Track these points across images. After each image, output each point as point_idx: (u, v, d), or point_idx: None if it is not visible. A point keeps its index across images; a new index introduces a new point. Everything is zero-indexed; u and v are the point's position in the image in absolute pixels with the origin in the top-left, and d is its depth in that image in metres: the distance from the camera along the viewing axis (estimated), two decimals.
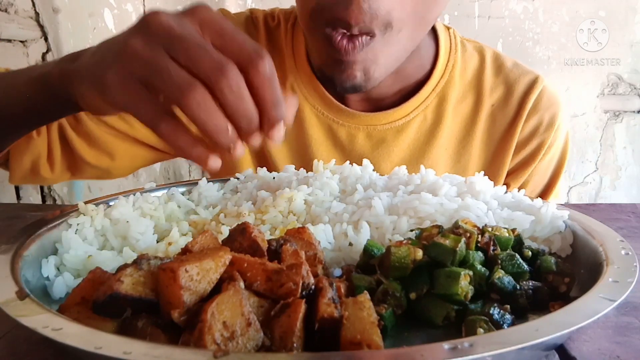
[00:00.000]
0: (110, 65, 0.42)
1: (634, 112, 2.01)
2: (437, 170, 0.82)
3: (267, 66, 0.41)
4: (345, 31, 0.66)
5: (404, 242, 0.44)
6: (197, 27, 0.42)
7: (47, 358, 0.37)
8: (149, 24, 0.41)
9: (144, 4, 1.64)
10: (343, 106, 0.82)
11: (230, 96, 0.39)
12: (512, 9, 1.94)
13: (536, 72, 0.86)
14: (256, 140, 0.42)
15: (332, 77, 0.72)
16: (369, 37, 0.67)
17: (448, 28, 0.87)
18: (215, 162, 0.42)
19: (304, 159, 0.84)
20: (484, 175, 0.84)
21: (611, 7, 1.92)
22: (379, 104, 0.83)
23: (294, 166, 0.68)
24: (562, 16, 1.94)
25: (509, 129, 0.83)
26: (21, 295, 0.37)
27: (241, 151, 0.42)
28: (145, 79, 0.41)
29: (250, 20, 0.87)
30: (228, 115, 0.40)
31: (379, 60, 0.70)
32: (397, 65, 0.74)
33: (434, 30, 0.85)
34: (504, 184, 0.84)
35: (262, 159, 0.86)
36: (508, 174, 0.85)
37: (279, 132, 0.42)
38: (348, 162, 0.67)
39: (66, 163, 0.83)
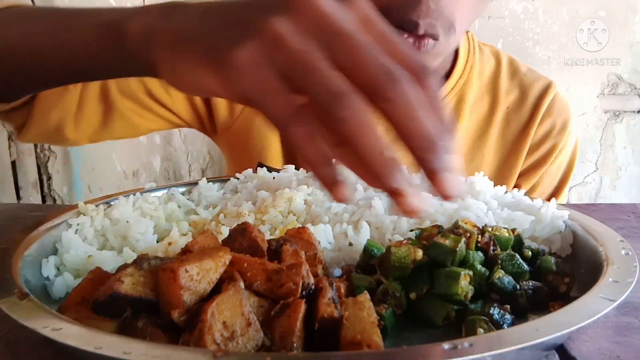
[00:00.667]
0: (242, 42, 0.33)
1: (634, 112, 2.01)
2: None
3: (434, 85, 0.33)
4: (411, 33, 0.66)
5: (404, 242, 0.44)
6: (359, 24, 0.34)
7: (47, 358, 0.37)
8: (302, 4, 0.33)
9: (143, 4, 1.64)
10: None
11: (402, 109, 0.30)
12: (512, 9, 1.94)
13: (549, 78, 0.88)
14: (450, 182, 0.30)
15: None
16: (433, 41, 0.67)
17: (467, 31, 0.88)
18: (343, 191, 0.33)
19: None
20: (497, 175, 0.85)
21: (611, 7, 1.92)
22: None
23: (293, 166, 0.68)
24: (562, 16, 1.94)
25: (523, 131, 0.85)
26: (21, 295, 0.37)
27: (416, 201, 0.31)
28: (287, 73, 0.33)
29: None
30: (401, 135, 0.31)
31: (434, 63, 0.71)
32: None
33: None
34: (515, 186, 0.85)
35: (289, 150, 0.84)
36: (520, 176, 0.87)
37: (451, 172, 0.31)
38: None
39: (94, 124, 0.77)
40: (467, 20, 0.70)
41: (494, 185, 0.61)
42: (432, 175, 0.31)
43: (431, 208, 0.51)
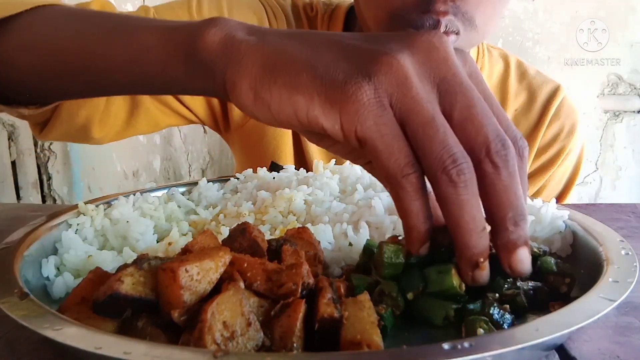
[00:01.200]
0: (367, 75, 0.31)
1: (634, 112, 2.01)
2: None
3: (526, 158, 0.32)
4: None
5: (399, 237, 0.44)
6: (434, 88, 0.32)
7: (47, 358, 0.37)
8: (430, 45, 0.32)
9: (143, 4, 1.64)
10: None
11: (505, 179, 0.30)
12: (512, 9, 1.94)
13: (557, 82, 0.89)
14: (523, 260, 0.32)
15: None
16: (455, 36, 0.65)
17: None
18: (424, 249, 0.34)
19: (336, 157, 0.84)
20: None
21: (611, 7, 1.92)
22: None
23: (293, 166, 0.68)
24: (562, 16, 1.94)
25: (531, 134, 0.86)
26: (21, 295, 0.37)
27: (486, 276, 0.32)
28: (406, 119, 0.31)
29: (295, 8, 0.86)
30: (494, 206, 0.31)
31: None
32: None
33: None
34: None
35: (299, 145, 0.85)
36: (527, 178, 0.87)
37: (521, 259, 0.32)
38: (348, 162, 0.67)
39: (121, 120, 0.76)
40: (490, 18, 0.68)
41: None
42: (507, 248, 0.32)
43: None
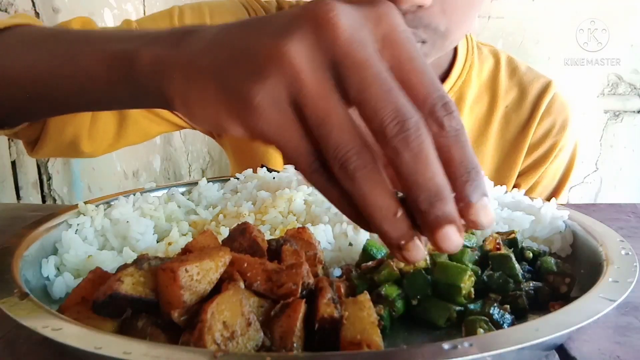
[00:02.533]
0: (257, 79, 0.30)
1: (634, 112, 2.01)
2: None
3: (456, 123, 0.30)
4: None
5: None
6: (377, 43, 0.31)
7: (47, 358, 0.37)
8: (323, 25, 0.30)
9: (144, 4, 1.64)
10: None
11: (409, 163, 0.29)
12: (512, 9, 1.94)
13: (548, 77, 0.88)
14: (450, 237, 0.29)
15: None
16: (420, 43, 0.64)
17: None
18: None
19: None
20: (497, 174, 0.85)
21: (611, 7, 1.92)
22: None
23: (293, 166, 0.68)
24: (562, 16, 1.94)
25: (523, 131, 0.85)
26: (21, 295, 0.37)
27: (417, 248, 0.30)
28: (302, 111, 0.30)
29: (280, 10, 0.87)
30: (405, 190, 0.30)
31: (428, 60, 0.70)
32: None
33: None
34: (514, 185, 0.85)
35: None
36: (519, 175, 0.87)
37: (483, 215, 0.29)
38: None
39: (109, 133, 0.77)
40: (459, 22, 0.66)
41: (494, 185, 0.61)
42: (429, 229, 0.29)
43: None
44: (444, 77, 0.84)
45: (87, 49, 0.44)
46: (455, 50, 0.85)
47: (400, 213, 0.30)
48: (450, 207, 0.29)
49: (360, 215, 0.31)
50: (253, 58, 0.31)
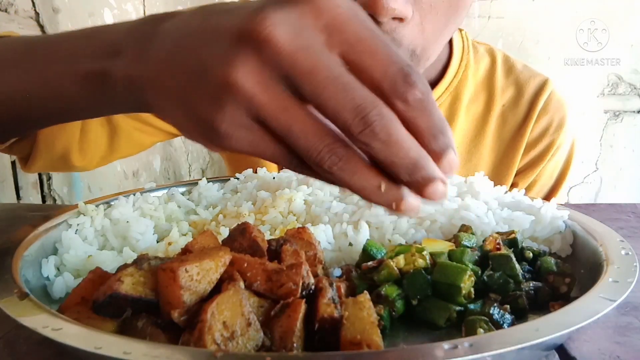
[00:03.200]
0: (217, 108, 0.31)
1: (634, 112, 2.01)
2: None
3: (419, 93, 0.30)
4: None
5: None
6: (323, 36, 0.31)
7: (47, 358, 0.37)
8: (259, 43, 0.30)
9: (144, 4, 1.64)
10: None
11: (380, 151, 0.30)
12: (512, 9, 1.94)
13: (545, 75, 0.88)
14: (436, 192, 0.31)
15: None
16: None
17: (460, 30, 0.88)
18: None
19: None
20: (494, 173, 0.85)
21: (611, 7, 1.92)
22: None
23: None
24: (562, 16, 1.94)
25: (519, 129, 0.85)
26: (21, 295, 0.37)
27: (411, 204, 0.32)
28: (268, 125, 0.31)
29: None
30: (386, 170, 0.31)
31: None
32: None
33: None
34: (512, 183, 0.85)
35: None
36: (517, 174, 0.87)
37: (447, 165, 0.32)
38: None
39: (100, 147, 0.77)
40: (438, 42, 0.65)
41: (493, 184, 0.60)
42: (417, 191, 0.31)
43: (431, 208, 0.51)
44: (439, 77, 0.84)
45: (59, 69, 0.43)
46: (451, 50, 0.85)
47: (384, 186, 0.31)
48: (428, 170, 0.31)
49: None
50: (208, 86, 0.32)
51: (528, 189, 0.87)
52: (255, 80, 0.30)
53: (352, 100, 0.30)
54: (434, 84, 0.84)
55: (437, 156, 0.31)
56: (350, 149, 0.31)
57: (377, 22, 0.56)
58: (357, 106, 0.30)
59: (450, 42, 0.85)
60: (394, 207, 0.32)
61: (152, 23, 0.37)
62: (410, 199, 0.32)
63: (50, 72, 0.44)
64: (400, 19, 0.57)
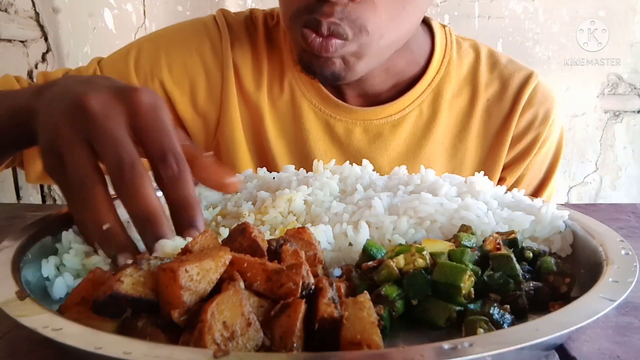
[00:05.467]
0: (46, 132, 0.46)
1: (634, 112, 2.01)
2: (433, 165, 0.84)
3: (170, 170, 0.43)
4: (317, 32, 0.68)
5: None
6: (126, 117, 0.44)
7: (47, 358, 0.37)
8: (83, 109, 0.44)
9: (143, 4, 1.64)
10: (340, 101, 0.83)
11: (124, 194, 0.41)
12: (512, 9, 1.94)
13: (530, 69, 0.87)
14: (159, 246, 0.41)
15: (312, 67, 0.74)
16: (341, 41, 0.68)
17: (444, 26, 0.89)
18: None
19: (302, 154, 0.85)
20: (481, 168, 0.85)
21: (611, 7, 1.92)
22: (375, 100, 0.85)
23: (293, 166, 0.68)
24: (562, 16, 1.94)
25: (505, 124, 0.85)
26: (21, 295, 0.37)
27: (120, 262, 0.42)
28: (62, 159, 0.44)
29: (249, 19, 0.88)
30: (128, 213, 0.42)
31: (359, 55, 0.71)
32: (382, 61, 0.76)
33: (429, 28, 0.87)
34: (500, 178, 0.85)
35: (261, 153, 0.87)
36: (504, 168, 0.87)
37: (193, 233, 0.42)
38: (348, 162, 0.67)
39: None
40: (388, 22, 0.70)
41: (486, 177, 0.60)
42: (146, 246, 0.42)
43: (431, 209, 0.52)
44: (421, 73, 0.84)
45: (3, 105, 0.59)
46: (433, 46, 0.85)
47: (107, 226, 0.42)
48: (159, 228, 0.41)
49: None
50: (48, 122, 0.47)
51: (517, 183, 0.87)
52: (67, 135, 0.44)
53: (117, 153, 0.42)
54: (415, 80, 0.84)
55: (182, 226, 0.43)
56: (98, 186, 0.43)
57: (328, 1, 0.65)
58: (118, 157, 0.42)
59: (433, 39, 0.86)
60: (111, 257, 0.42)
61: (47, 85, 0.53)
62: (122, 258, 0.41)
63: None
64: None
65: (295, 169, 0.67)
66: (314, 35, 0.68)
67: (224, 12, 0.88)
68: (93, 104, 0.44)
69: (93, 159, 0.44)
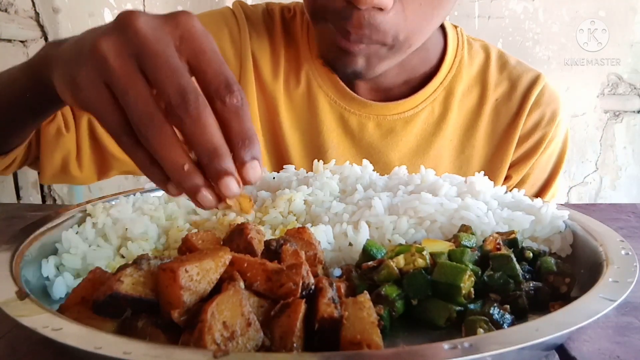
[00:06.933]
0: (81, 65, 0.40)
1: (634, 112, 2.01)
2: (441, 161, 0.86)
3: (235, 99, 0.38)
4: (347, 39, 0.68)
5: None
6: (176, 41, 0.39)
7: (47, 358, 0.37)
8: (125, 27, 0.39)
9: (143, 4, 1.64)
10: (355, 95, 0.84)
11: (189, 127, 0.37)
12: (512, 9, 1.94)
13: (538, 71, 0.90)
14: (228, 186, 0.37)
15: (334, 62, 0.75)
16: (371, 45, 0.69)
17: (455, 26, 0.90)
18: (172, 190, 0.39)
19: (315, 145, 0.86)
20: (488, 166, 0.86)
21: (611, 7, 1.92)
22: (387, 94, 0.86)
23: (294, 166, 0.69)
24: (562, 16, 1.94)
25: (512, 123, 0.86)
26: (21, 295, 0.37)
27: (206, 197, 0.38)
28: (112, 88, 0.39)
29: (266, 12, 0.89)
30: (192, 149, 0.38)
31: (384, 57, 0.72)
32: (401, 60, 0.77)
33: (442, 28, 0.89)
34: (506, 176, 0.86)
35: (275, 143, 0.87)
36: (510, 166, 0.88)
37: (252, 173, 0.38)
38: (348, 162, 0.67)
39: (95, 161, 0.84)
40: (423, 30, 0.71)
41: (494, 185, 0.60)
42: (213, 180, 0.37)
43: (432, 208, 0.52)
44: (434, 72, 0.86)
45: (17, 67, 0.59)
46: (445, 45, 0.87)
47: (187, 167, 0.37)
48: (226, 163, 0.37)
49: (161, 175, 0.39)
50: (81, 52, 0.41)
51: (522, 182, 0.89)
52: (112, 49, 0.39)
53: (179, 82, 0.37)
54: (427, 77, 0.86)
55: (241, 160, 0.38)
56: (167, 122, 0.37)
57: (357, 9, 0.64)
58: (181, 87, 0.37)
59: (445, 38, 0.87)
60: (192, 196, 0.38)
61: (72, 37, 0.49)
62: (206, 192, 0.38)
63: (12, 70, 0.60)
64: (380, 8, 0.64)
65: (307, 159, 0.67)
66: (344, 40, 0.69)
67: (241, 4, 0.89)
68: (142, 25, 0.39)
69: (152, 91, 0.38)
